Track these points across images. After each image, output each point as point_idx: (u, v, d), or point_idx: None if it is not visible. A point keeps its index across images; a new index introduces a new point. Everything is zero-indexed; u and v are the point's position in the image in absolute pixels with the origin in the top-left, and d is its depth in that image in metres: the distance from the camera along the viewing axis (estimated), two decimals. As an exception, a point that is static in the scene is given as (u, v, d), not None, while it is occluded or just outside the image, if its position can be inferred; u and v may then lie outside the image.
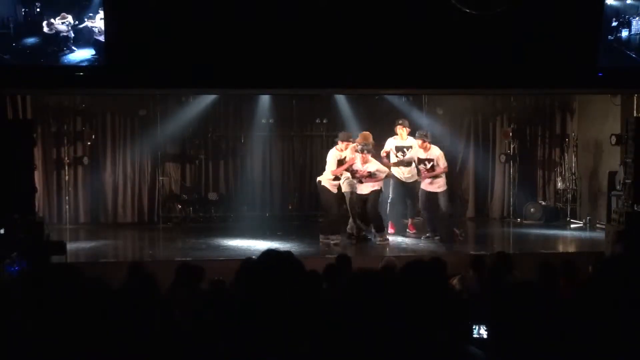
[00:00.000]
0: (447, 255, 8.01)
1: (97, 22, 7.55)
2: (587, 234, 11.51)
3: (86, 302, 1.88)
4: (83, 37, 7.61)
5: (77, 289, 1.90)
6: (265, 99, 12.49)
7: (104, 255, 9.69)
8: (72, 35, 7.56)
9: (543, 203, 12.89)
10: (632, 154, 9.08)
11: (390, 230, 10.61)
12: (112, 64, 7.67)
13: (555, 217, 12.64)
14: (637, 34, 8.22)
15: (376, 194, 9.90)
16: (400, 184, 10.61)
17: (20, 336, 1.81)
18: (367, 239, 10.06)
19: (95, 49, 7.65)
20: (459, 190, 13.36)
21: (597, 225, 11.68)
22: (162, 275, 5.38)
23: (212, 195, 12.76)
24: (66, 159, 12.32)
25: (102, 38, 7.59)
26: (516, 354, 2.09)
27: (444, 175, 10.19)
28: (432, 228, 10.33)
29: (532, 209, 12.70)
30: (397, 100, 12.51)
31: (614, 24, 8.14)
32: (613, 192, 10.67)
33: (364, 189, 9.88)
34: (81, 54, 7.68)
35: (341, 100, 12.38)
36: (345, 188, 9.95)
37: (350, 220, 10.09)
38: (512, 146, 13.22)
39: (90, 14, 7.53)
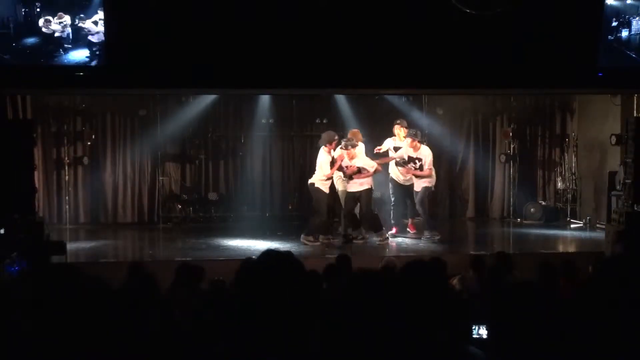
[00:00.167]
0: (447, 255, 8.01)
1: (87, 24, 7.52)
2: (587, 234, 11.52)
3: (86, 302, 1.88)
4: (78, 38, 7.61)
5: (77, 289, 1.90)
6: (265, 99, 12.49)
7: (104, 255, 9.70)
8: (66, 35, 7.55)
9: (543, 203, 12.89)
10: (632, 154, 9.09)
11: (394, 232, 10.60)
12: (112, 64, 7.67)
13: (555, 217, 12.65)
14: (637, 34, 8.22)
15: (368, 193, 9.86)
16: (398, 185, 10.61)
17: (20, 336, 1.81)
18: (352, 239, 9.73)
19: (89, 50, 7.64)
20: (459, 190, 13.37)
21: (597, 225, 11.69)
22: (162, 275, 5.39)
23: (212, 195, 12.76)
24: (66, 159, 12.32)
25: (95, 39, 7.57)
26: (516, 354, 2.09)
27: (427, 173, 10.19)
28: (430, 227, 10.32)
29: (532, 209, 12.70)
30: (397, 100, 12.50)
31: (614, 24, 8.15)
32: (613, 192, 10.67)
33: (354, 186, 9.84)
34: (77, 55, 7.67)
35: (341, 100, 12.37)
36: (339, 186, 9.95)
37: (344, 220, 10.07)
38: (512, 146, 13.22)
39: (82, 15, 7.51)
